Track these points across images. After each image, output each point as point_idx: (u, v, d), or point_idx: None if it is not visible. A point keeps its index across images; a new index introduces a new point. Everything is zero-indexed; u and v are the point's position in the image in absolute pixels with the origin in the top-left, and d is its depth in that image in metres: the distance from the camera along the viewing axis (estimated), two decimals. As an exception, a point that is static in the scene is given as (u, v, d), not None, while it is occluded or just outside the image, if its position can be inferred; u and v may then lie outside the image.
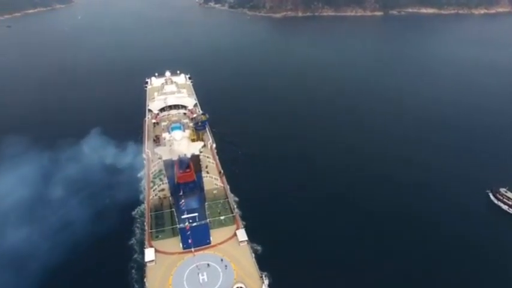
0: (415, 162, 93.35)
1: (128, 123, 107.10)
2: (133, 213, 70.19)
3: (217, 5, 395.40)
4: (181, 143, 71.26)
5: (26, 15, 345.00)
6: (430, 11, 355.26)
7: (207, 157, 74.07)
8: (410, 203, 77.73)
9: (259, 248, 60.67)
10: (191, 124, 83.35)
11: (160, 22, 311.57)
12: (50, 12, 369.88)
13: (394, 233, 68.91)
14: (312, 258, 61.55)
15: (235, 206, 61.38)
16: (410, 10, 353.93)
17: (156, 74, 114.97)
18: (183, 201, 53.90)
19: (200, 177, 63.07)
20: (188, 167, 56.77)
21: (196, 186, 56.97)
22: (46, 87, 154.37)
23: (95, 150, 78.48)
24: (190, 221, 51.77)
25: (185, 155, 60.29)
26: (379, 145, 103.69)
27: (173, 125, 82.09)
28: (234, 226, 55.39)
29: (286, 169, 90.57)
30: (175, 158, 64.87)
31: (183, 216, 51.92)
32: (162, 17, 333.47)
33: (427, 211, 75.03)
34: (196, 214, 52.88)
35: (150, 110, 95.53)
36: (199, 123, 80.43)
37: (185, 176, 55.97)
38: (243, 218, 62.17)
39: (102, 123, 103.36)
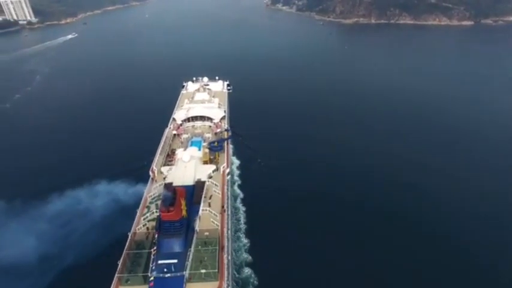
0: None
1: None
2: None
3: (284, 7, 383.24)
4: (188, 166, 60.97)
5: (105, 12, 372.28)
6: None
7: (215, 185, 60.63)
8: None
9: None
10: (205, 144, 69.90)
11: (224, 22, 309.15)
12: (126, 9, 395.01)
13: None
14: None
15: (225, 257, 47.87)
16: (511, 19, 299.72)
17: (194, 79, 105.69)
18: (154, 248, 44.22)
19: (194, 214, 51.80)
20: (172, 204, 45.59)
21: (183, 226, 46.28)
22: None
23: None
24: (165, 269, 42.11)
25: (173, 191, 47.72)
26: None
27: (193, 139, 73.24)
28: (216, 284, 43.14)
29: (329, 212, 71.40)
30: (177, 183, 55.16)
31: (159, 261, 42.86)
32: (227, 17, 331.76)
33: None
34: (175, 261, 43.41)
35: (174, 119, 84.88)
36: (216, 143, 67.80)
37: (169, 214, 45.34)
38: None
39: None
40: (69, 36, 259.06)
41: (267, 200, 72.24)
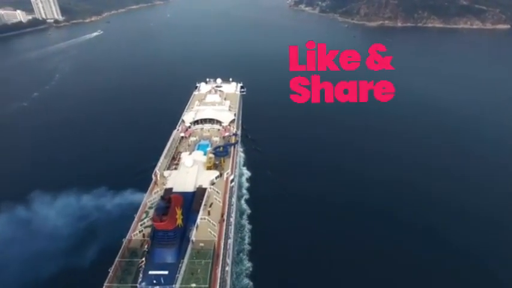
0: None
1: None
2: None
3: (307, 8, 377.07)
4: (191, 171, 57.98)
5: (129, 11, 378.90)
6: None
7: (217, 192, 56.58)
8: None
9: None
10: (209, 148, 66.08)
11: (245, 23, 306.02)
12: (149, 8, 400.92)
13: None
14: None
15: (218, 271, 43.85)
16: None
17: (207, 80, 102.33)
18: (142, 260, 42.21)
19: (192, 222, 48.44)
20: (165, 213, 42.71)
21: (177, 236, 43.57)
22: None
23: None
24: (155, 281, 40.17)
25: (167, 199, 44.52)
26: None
27: (201, 142, 70.46)
28: None
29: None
30: (177, 188, 53.21)
31: (150, 272, 40.89)
32: (249, 18, 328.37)
33: None
34: (165, 273, 40.99)
35: (182, 121, 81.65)
36: (221, 148, 64.39)
37: (162, 224, 42.78)
38: None
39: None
40: (95, 34, 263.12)
41: (277, 218, 64.97)
